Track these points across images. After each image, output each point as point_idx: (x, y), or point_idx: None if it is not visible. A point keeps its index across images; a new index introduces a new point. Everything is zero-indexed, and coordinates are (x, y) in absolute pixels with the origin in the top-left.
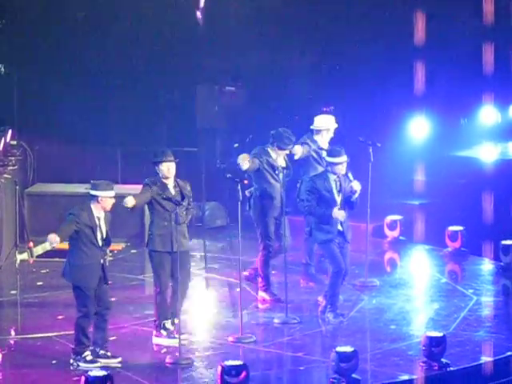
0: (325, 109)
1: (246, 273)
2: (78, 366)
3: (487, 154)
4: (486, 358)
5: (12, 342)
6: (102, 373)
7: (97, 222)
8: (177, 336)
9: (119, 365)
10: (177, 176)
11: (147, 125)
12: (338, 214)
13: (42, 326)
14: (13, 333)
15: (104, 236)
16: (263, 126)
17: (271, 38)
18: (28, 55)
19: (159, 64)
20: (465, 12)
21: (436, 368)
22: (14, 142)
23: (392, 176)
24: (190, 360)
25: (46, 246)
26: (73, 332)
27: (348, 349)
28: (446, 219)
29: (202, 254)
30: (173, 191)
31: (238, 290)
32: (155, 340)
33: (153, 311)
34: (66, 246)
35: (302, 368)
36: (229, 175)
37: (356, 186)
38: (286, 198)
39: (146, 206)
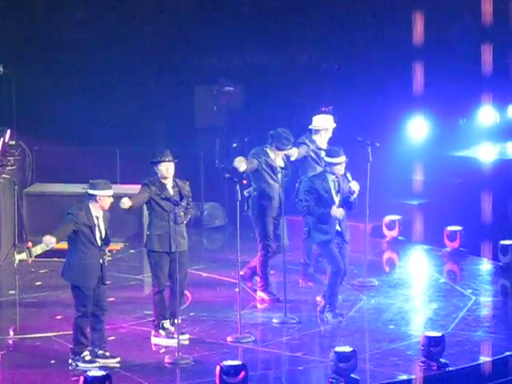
0: (323, 109)
1: (241, 272)
2: (77, 366)
3: (486, 154)
4: (485, 358)
5: (11, 342)
6: (101, 373)
7: (95, 222)
8: (175, 336)
9: (118, 365)
10: (176, 176)
11: (146, 125)
12: (337, 212)
13: (41, 326)
14: (11, 333)
15: (103, 235)
16: (262, 126)
17: (271, 38)
18: (27, 55)
19: (158, 64)
20: (463, 12)
21: (435, 368)
22: (13, 142)
23: (391, 176)
24: (188, 360)
25: (44, 246)
26: (71, 332)
27: (347, 349)
28: (445, 219)
29: (201, 253)
30: (171, 191)
31: (237, 289)
32: (154, 340)
33: (151, 311)
34: (64, 245)
35: (300, 368)
36: (228, 175)
37: (354, 186)
38: (284, 199)
39: (145, 206)
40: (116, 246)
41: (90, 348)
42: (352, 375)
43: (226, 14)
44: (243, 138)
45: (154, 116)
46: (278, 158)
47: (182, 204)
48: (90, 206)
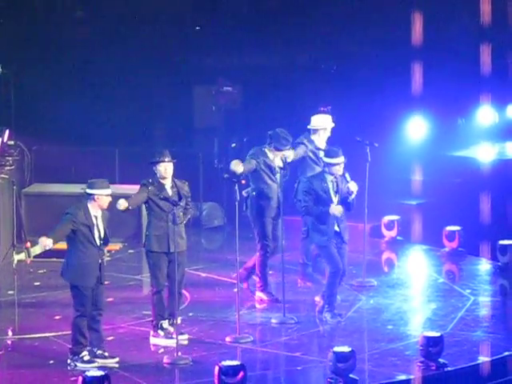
0: (322, 108)
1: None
2: (76, 366)
3: (485, 154)
4: (484, 358)
5: (9, 342)
6: (100, 373)
7: (94, 221)
8: (174, 336)
9: (116, 365)
10: (174, 176)
11: (144, 125)
12: (335, 209)
13: (40, 327)
14: (10, 333)
15: (102, 235)
16: (260, 127)
17: (269, 38)
18: (25, 55)
19: (157, 64)
20: (462, 13)
21: (433, 368)
22: (12, 142)
23: (389, 176)
24: (187, 360)
25: (43, 247)
26: (70, 332)
27: (345, 349)
28: (444, 219)
29: (200, 253)
30: (170, 192)
31: (236, 290)
32: (152, 340)
33: (150, 311)
34: (63, 246)
35: (299, 368)
36: (226, 175)
37: (352, 187)
38: (283, 199)
39: (144, 207)
40: (115, 246)
41: (88, 348)
42: (351, 375)
43: (225, 14)
44: (242, 138)
45: (153, 116)
46: (276, 159)
47: (181, 204)
48: (89, 205)
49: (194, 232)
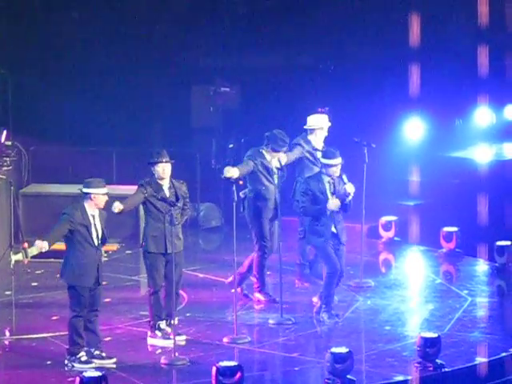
0: (320, 109)
1: (230, 279)
2: (73, 366)
3: (482, 154)
4: (481, 359)
5: (7, 342)
6: (97, 373)
7: (91, 221)
8: (171, 337)
9: (114, 365)
10: (172, 176)
11: (142, 125)
12: (333, 204)
13: (37, 327)
14: (7, 333)
15: (99, 235)
16: (258, 127)
17: (267, 39)
18: (23, 56)
19: (154, 65)
20: (460, 14)
21: (431, 369)
22: (9, 143)
23: (387, 177)
24: (184, 361)
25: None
26: (67, 333)
27: (343, 349)
28: (441, 220)
29: (197, 254)
30: (167, 192)
31: (233, 290)
32: (150, 341)
33: (147, 312)
34: (61, 246)
35: (296, 369)
36: (224, 176)
37: (349, 188)
38: (280, 200)
39: (142, 207)
40: (112, 246)
41: (86, 349)
42: (348, 376)
43: (222, 14)
44: (239, 138)
45: (151, 116)
46: (273, 160)
47: (178, 205)
48: (85, 205)
49: (191, 233)
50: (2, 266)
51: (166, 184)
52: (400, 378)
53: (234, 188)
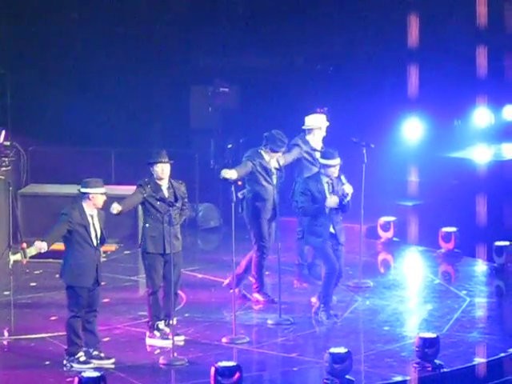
0: (319, 110)
1: (227, 281)
2: (72, 366)
3: (481, 155)
4: (480, 360)
5: (5, 342)
6: (96, 374)
7: (90, 221)
8: (170, 337)
9: (112, 366)
10: (170, 177)
11: (141, 125)
12: (331, 201)
13: (36, 327)
14: (6, 334)
15: (98, 235)
16: (257, 127)
17: (266, 39)
18: (22, 56)
19: (153, 65)
20: (459, 14)
21: (429, 369)
22: (8, 143)
23: (386, 177)
24: (183, 361)
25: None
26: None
27: (341, 350)
28: (440, 220)
29: (196, 254)
30: (166, 192)
31: (232, 290)
32: (148, 341)
33: (146, 312)
34: (60, 246)
35: (295, 369)
36: (222, 177)
37: (348, 189)
38: (279, 200)
39: (140, 207)
40: (110, 246)
41: (84, 349)
42: (347, 376)
43: (221, 14)
44: (238, 138)
45: (149, 117)
46: (272, 160)
47: (177, 205)
48: (84, 205)
49: (190, 233)
50: (0, 267)
51: (164, 184)
52: (399, 378)
53: (233, 188)
